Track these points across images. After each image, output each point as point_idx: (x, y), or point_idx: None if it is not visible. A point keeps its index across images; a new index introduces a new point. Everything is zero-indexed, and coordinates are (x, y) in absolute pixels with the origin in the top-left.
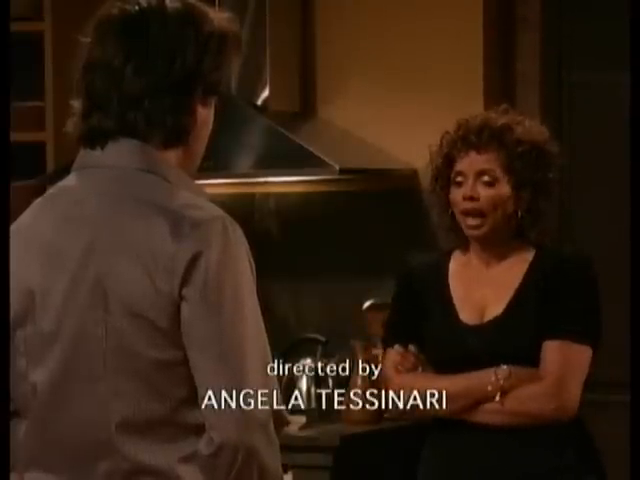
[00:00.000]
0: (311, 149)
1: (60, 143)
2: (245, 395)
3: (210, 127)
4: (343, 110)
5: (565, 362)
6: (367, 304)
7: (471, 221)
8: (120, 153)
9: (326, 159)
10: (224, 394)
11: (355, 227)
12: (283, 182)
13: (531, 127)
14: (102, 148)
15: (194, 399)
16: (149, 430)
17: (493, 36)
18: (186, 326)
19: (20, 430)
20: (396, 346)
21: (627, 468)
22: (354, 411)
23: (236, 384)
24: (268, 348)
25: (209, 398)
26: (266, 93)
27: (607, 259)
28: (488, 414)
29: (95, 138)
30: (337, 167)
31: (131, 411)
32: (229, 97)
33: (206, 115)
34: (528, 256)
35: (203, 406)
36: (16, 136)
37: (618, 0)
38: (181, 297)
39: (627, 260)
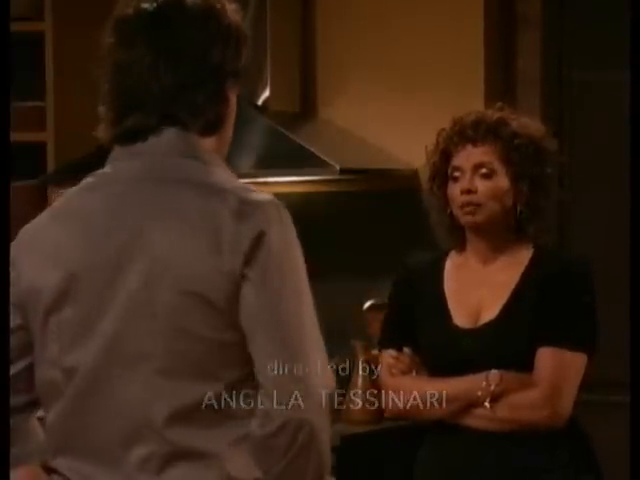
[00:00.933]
0: (311, 149)
1: (61, 143)
2: (306, 373)
3: (234, 113)
4: (343, 110)
5: (558, 369)
6: (367, 304)
7: (467, 208)
8: (163, 141)
9: (326, 159)
10: (284, 369)
11: (356, 227)
12: (283, 182)
13: (528, 123)
14: (144, 141)
15: (243, 381)
16: (197, 412)
17: (494, 35)
18: (247, 306)
19: (31, 421)
20: (390, 349)
21: (627, 469)
22: (354, 411)
23: (297, 364)
24: (319, 330)
25: (269, 375)
26: (266, 93)
27: (607, 259)
28: (479, 419)
29: (134, 136)
30: (337, 167)
31: (180, 393)
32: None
33: (234, 102)
34: (525, 257)
35: (264, 383)
36: (17, 136)
37: None
38: (243, 276)
39: (627, 260)
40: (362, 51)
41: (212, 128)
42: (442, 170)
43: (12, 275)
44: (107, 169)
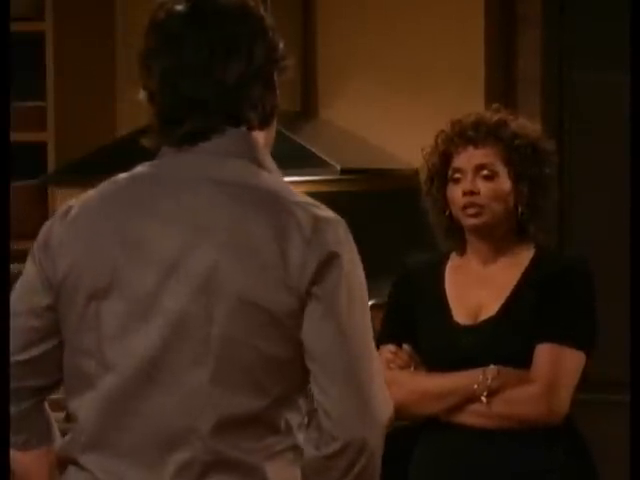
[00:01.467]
0: (312, 149)
1: (61, 143)
2: (372, 396)
3: None
4: (344, 110)
5: (556, 366)
6: (368, 304)
7: (470, 210)
8: (227, 143)
9: (327, 159)
10: (351, 394)
11: (356, 227)
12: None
13: (525, 123)
14: (205, 142)
15: (290, 399)
16: (240, 424)
17: (494, 35)
18: (314, 323)
19: (45, 405)
20: (390, 344)
21: (626, 469)
22: None
23: (364, 385)
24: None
25: (334, 396)
26: None
27: (607, 259)
28: (476, 417)
29: (198, 137)
30: (338, 167)
31: (226, 402)
32: None
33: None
34: (526, 258)
35: (326, 403)
36: (17, 136)
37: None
38: (309, 294)
39: (627, 260)
40: (363, 51)
41: (268, 120)
42: (442, 172)
43: (48, 254)
44: (162, 162)
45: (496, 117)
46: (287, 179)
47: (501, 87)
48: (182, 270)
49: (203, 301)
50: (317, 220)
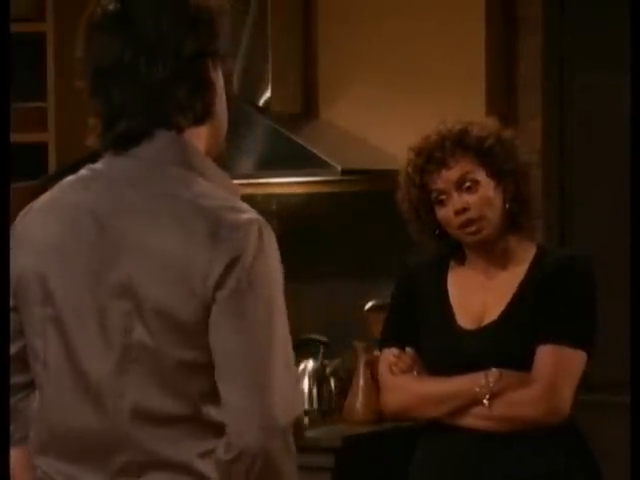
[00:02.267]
0: (313, 150)
1: (62, 144)
2: (268, 402)
3: (224, 94)
4: (345, 111)
5: (557, 366)
6: (369, 305)
7: (470, 229)
8: (156, 146)
9: (328, 160)
10: (247, 399)
11: (357, 228)
12: (285, 183)
13: (482, 123)
14: (137, 146)
15: (215, 398)
16: (168, 425)
17: (495, 38)
18: (214, 329)
19: (27, 402)
20: (393, 348)
21: (627, 469)
22: (356, 412)
23: (260, 390)
24: (292, 353)
25: (231, 403)
26: (268, 94)
27: (607, 259)
28: (478, 419)
29: (128, 141)
30: (339, 168)
31: (151, 405)
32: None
33: (219, 83)
34: (527, 258)
35: (226, 411)
36: (18, 137)
37: (619, 2)
38: (213, 299)
39: (627, 259)
40: (363, 52)
41: (204, 117)
42: (425, 200)
43: (10, 256)
44: (101, 166)
45: (456, 128)
46: (288, 179)
47: (502, 90)
48: (104, 282)
49: (122, 310)
50: (222, 226)
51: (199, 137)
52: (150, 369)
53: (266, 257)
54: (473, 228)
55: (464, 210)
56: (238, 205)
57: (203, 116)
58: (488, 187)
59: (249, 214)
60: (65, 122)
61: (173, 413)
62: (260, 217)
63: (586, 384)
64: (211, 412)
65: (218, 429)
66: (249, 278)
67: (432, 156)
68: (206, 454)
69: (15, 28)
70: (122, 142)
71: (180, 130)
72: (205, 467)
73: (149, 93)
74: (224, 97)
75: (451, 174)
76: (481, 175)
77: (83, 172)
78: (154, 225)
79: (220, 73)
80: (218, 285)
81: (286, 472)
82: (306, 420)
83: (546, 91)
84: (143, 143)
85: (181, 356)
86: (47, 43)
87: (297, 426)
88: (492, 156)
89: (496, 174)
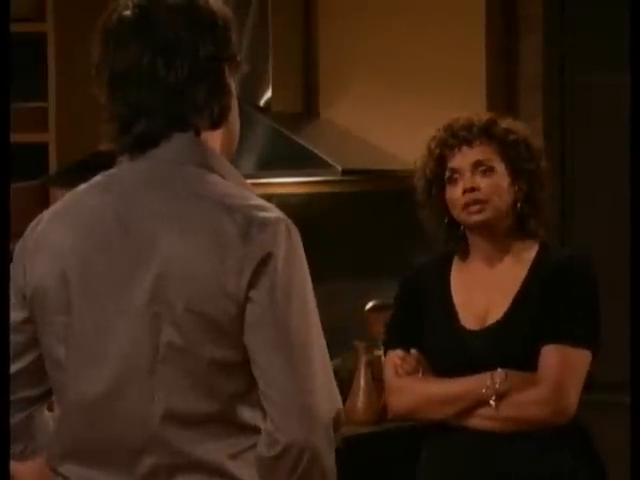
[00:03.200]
0: (314, 150)
1: (63, 144)
2: (311, 397)
3: (236, 99)
4: (346, 111)
5: (563, 366)
6: (370, 305)
7: (473, 208)
8: (175, 148)
9: (329, 160)
10: (290, 396)
11: (358, 228)
12: (285, 183)
13: (514, 122)
14: (156, 147)
15: (246, 397)
16: (198, 426)
17: (495, 37)
18: (252, 328)
19: (41, 415)
20: (398, 349)
21: (627, 469)
22: (357, 412)
23: (303, 386)
24: (326, 348)
25: (274, 399)
26: (268, 94)
27: (608, 258)
28: (484, 420)
29: (146, 142)
30: (339, 168)
31: (181, 406)
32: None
33: (234, 89)
34: (530, 256)
35: (267, 407)
36: (19, 137)
37: (620, 1)
38: (247, 298)
39: (627, 259)
40: (364, 52)
41: (221, 121)
42: (439, 176)
43: (18, 268)
44: (117, 170)
45: (486, 117)
46: (288, 179)
47: (502, 89)
48: (131, 284)
49: (151, 312)
50: (252, 224)
51: (214, 141)
52: (181, 370)
53: (297, 256)
54: (477, 207)
55: (472, 190)
56: (263, 204)
57: (220, 119)
58: (503, 178)
59: (276, 212)
60: (66, 122)
61: (204, 413)
62: (285, 216)
63: (586, 384)
64: (244, 412)
65: (249, 430)
66: (284, 277)
67: (457, 134)
68: (237, 455)
69: (16, 28)
70: (140, 144)
71: (197, 132)
72: (236, 468)
73: (167, 94)
74: (237, 102)
75: (471, 153)
76: (500, 166)
77: (98, 178)
78: (182, 226)
79: (235, 79)
80: (251, 284)
81: (329, 467)
82: None
83: (547, 91)
84: (161, 145)
85: (214, 355)
86: (48, 43)
87: (337, 421)
88: (515, 151)
89: (514, 171)
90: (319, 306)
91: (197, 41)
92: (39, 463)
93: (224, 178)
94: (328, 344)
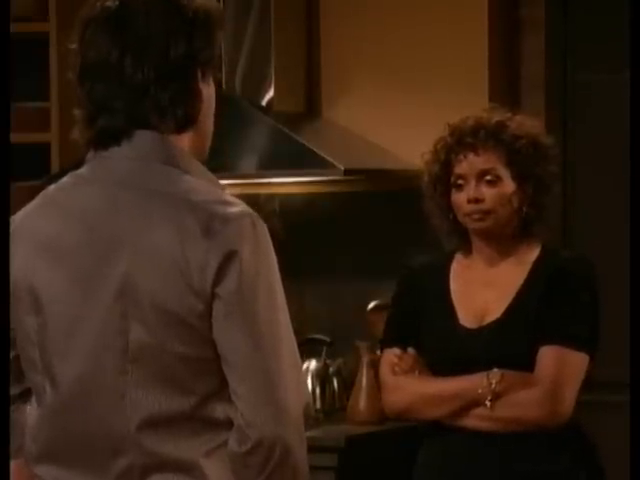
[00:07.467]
0: (315, 150)
1: (65, 144)
2: (280, 392)
3: (214, 105)
4: (347, 110)
5: (560, 367)
6: (371, 305)
7: (476, 216)
8: (139, 145)
9: (331, 159)
10: (260, 391)
11: (360, 227)
12: (287, 183)
13: (524, 121)
14: (118, 145)
15: (218, 394)
16: (172, 424)
17: (498, 37)
18: (220, 324)
19: (20, 414)
20: (394, 348)
21: (627, 469)
22: (359, 412)
23: (272, 381)
24: (295, 341)
25: (244, 395)
26: (270, 94)
27: (608, 259)
28: (480, 420)
29: (107, 138)
30: (342, 167)
31: (155, 405)
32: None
33: (209, 93)
34: (531, 258)
35: (238, 403)
36: (21, 137)
37: (621, 1)
38: (213, 295)
39: (627, 260)
40: (366, 52)
41: (186, 125)
42: (444, 179)
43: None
44: (84, 170)
45: (494, 120)
46: (290, 179)
47: (505, 89)
48: (98, 283)
49: (119, 310)
50: (215, 219)
51: (182, 142)
52: (152, 368)
53: (263, 250)
54: (478, 216)
55: (477, 201)
56: (228, 199)
57: (184, 124)
58: (509, 186)
59: (240, 207)
60: (68, 122)
61: (177, 412)
62: (251, 210)
63: (586, 384)
64: (217, 409)
65: (223, 426)
66: (250, 273)
67: (463, 140)
68: (212, 452)
69: (18, 28)
70: (101, 139)
71: (159, 131)
72: (211, 466)
73: (131, 94)
74: (212, 109)
75: (477, 162)
76: (505, 174)
77: (67, 178)
78: (146, 223)
79: (211, 85)
80: (217, 280)
81: (300, 461)
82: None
83: (549, 89)
84: (123, 142)
85: (183, 352)
86: (50, 43)
87: (305, 415)
88: (522, 156)
89: (521, 176)
90: (321, 305)
91: (169, 41)
92: (18, 464)
93: (191, 175)
94: (330, 343)
